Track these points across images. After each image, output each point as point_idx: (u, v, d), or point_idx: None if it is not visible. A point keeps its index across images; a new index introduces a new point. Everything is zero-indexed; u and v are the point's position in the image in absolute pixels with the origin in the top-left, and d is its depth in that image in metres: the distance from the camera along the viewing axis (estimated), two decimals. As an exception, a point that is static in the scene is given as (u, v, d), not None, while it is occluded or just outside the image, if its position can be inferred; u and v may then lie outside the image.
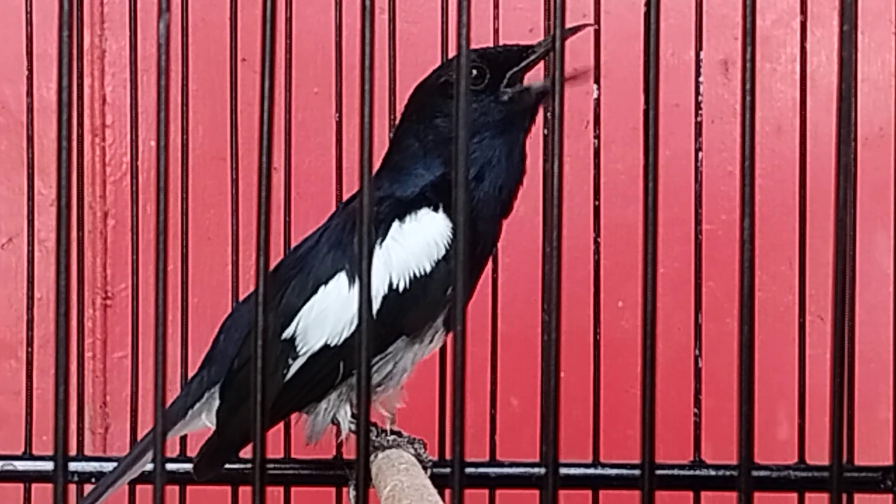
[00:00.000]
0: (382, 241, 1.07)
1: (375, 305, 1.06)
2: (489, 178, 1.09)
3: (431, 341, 1.10)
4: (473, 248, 1.09)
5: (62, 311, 0.54)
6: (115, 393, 1.58)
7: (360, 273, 0.54)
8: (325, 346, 1.08)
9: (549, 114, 1.12)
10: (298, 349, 1.08)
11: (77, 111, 1.25)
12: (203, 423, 1.14)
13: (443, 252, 1.07)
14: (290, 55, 1.26)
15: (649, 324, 0.52)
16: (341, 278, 1.08)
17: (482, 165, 1.09)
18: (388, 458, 1.04)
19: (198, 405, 1.14)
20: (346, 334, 1.08)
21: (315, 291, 1.09)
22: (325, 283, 1.09)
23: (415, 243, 1.07)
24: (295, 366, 1.08)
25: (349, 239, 1.09)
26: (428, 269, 1.07)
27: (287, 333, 1.09)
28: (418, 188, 1.10)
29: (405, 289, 1.07)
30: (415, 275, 1.07)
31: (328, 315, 1.08)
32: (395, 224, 1.08)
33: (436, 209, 1.08)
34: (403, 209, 1.08)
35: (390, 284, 1.07)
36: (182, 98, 1.28)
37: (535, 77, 1.14)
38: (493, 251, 1.16)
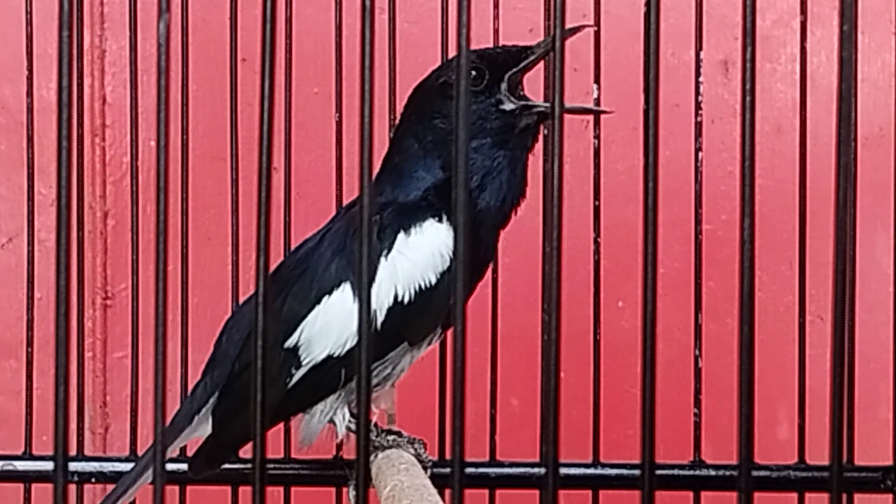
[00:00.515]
0: (388, 252, 1.07)
1: (380, 318, 1.06)
2: (491, 187, 1.09)
3: (430, 343, 1.10)
4: (475, 253, 1.08)
5: (62, 311, 0.54)
6: (115, 393, 1.58)
7: (360, 278, 0.54)
8: (329, 357, 1.08)
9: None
10: (302, 359, 1.08)
11: (77, 111, 1.25)
12: (209, 428, 1.14)
13: (447, 263, 1.07)
14: (290, 55, 1.26)
15: (649, 324, 0.52)
16: (346, 289, 1.08)
17: (483, 175, 1.09)
18: (388, 458, 1.04)
19: (203, 410, 1.14)
20: (349, 345, 1.08)
21: (319, 301, 1.09)
22: (329, 292, 1.08)
23: (420, 256, 1.07)
24: (297, 375, 1.08)
25: (352, 246, 1.09)
26: (433, 282, 1.07)
27: (290, 342, 1.08)
28: (420, 191, 1.09)
29: (410, 301, 1.07)
30: (420, 287, 1.07)
31: (332, 327, 1.08)
32: (401, 235, 1.07)
33: (440, 219, 1.08)
34: (408, 219, 1.08)
35: (395, 297, 1.07)
36: (182, 98, 1.28)
37: (535, 77, 1.14)
38: (492, 259, 1.16)
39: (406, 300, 1.07)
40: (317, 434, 1.11)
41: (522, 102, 1.09)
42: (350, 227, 1.10)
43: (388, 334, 1.06)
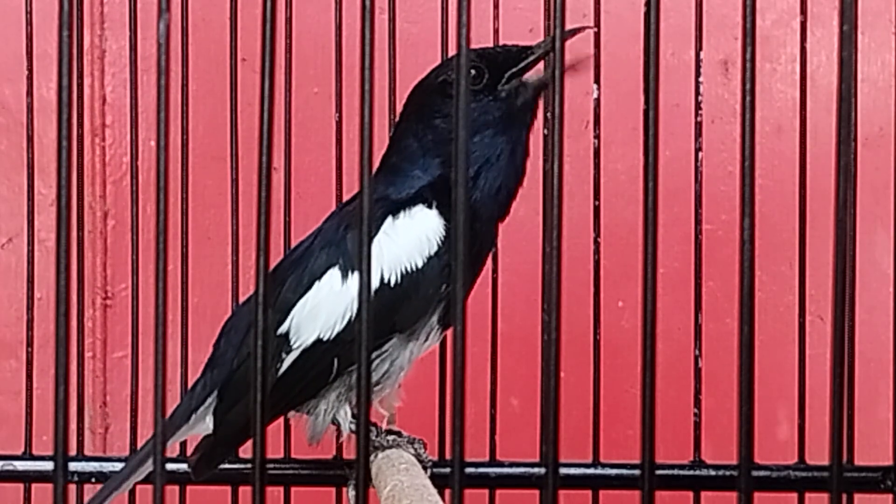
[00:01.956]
0: (374, 234, 1.07)
1: None
2: (486, 177, 1.09)
3: (427, 339, 1.10)
4: (470, 248, 1.08)
5: (62, 311, 0.54)
6: (115, 393, 1.58)
7: (361, 272, 0.54)
8: (318, 341, 1.08)
9: (548, 114, 1.12)
10: (292, 343, 1.09)
11: (77, 111, 1.25)
12: (206, 426, 1.14)
13: (435, 248, 1.07)
14: (290, 55, 1.26)
15: (649, 324, 0.52)
16: (334, 273, 1.08)
17: (480, 165, 1.09)
18: (388, 458, 1.04)
19: (201, 409, 1.14)
20: (338, 328, 1.08)
21: (310, 287, 1.09)
22: (319, 278, 1.09)
23: (406, 239, 1.07)
24: (288, 360, 1.08)
25: (342, 236, 1.10)
26: (419, 265, 1.07)
27: (282, 329, 1.09)
28: (414, 189, 1.10)
29: (396, 284, 1.07)
30: (406, 270, 1.07)
31: (321, 309, 1.08)
32: (388, 220, 1.08)
33: (429, 206, 1.08)
34: (397, 206, 1.08)
35: (381, 279, 1.07)
36: (182, 98, 1.28)
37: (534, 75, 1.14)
38: (490, 252, 1.16)
39: (392, 282, 1.07)
40: (323, 432, 1.11)
41: (516, 81, 1.09)
42: (342, 223, 1.11)
43: (375, 319, 1.06)
